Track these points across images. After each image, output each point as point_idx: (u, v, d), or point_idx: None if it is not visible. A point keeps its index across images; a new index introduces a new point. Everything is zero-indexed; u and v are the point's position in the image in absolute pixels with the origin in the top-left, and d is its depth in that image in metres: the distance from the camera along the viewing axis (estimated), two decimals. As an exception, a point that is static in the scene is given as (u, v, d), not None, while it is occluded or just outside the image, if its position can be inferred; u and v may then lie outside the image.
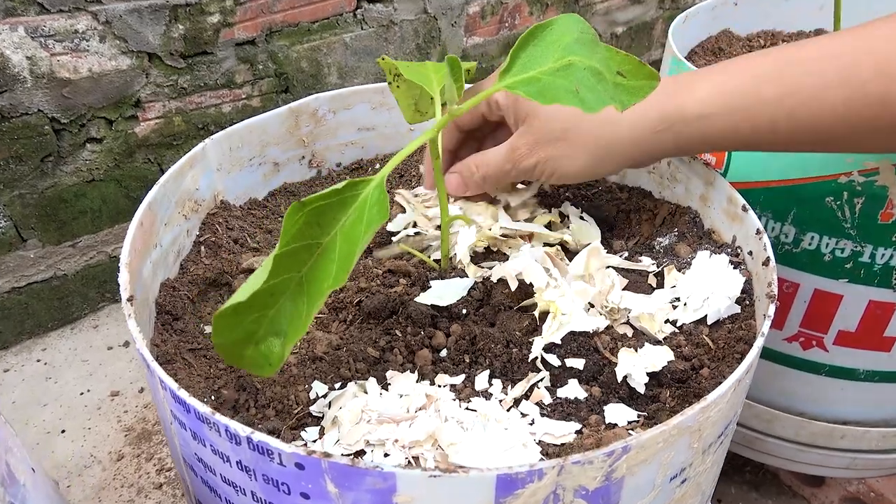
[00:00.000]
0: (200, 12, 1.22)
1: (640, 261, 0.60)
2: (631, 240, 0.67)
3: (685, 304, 0.55)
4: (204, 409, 0.38)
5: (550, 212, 0.70)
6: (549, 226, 0.68)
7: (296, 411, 0.50)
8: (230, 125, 0.67)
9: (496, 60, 1.75)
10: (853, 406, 0.85)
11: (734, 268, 0.55)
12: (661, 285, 0.59)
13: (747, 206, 0.56)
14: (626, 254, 0.64)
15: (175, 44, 1.22)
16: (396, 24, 1.50)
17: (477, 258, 0.65)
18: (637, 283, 0.59)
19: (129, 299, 0.46)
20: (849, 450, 0.88)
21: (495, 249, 0.64)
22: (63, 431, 1.13)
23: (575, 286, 0.56)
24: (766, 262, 0.51)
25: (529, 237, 0.66)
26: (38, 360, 1.25)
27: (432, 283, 0.59)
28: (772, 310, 0.46)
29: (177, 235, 0.61)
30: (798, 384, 0.85)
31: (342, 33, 1.43)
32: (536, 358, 0.52)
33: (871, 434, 0.86)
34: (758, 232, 0.54)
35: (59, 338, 1.30)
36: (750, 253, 0.56)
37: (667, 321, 0.55)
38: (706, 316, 0.54)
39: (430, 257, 0.63)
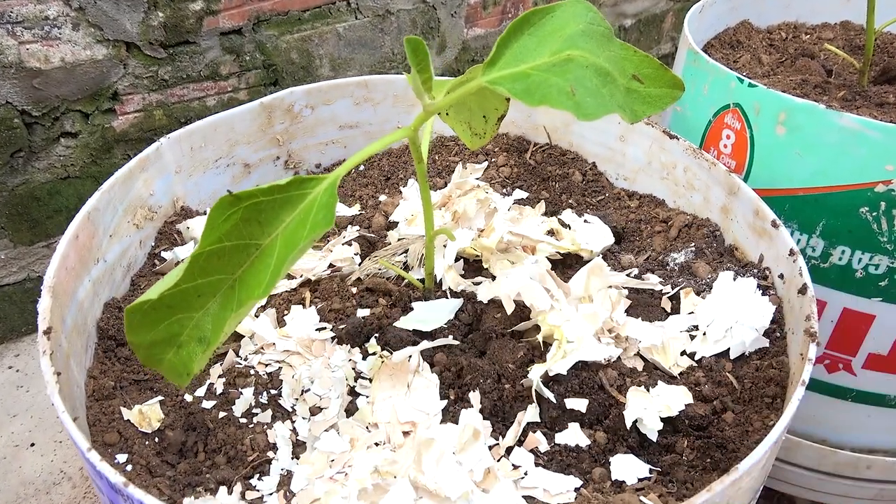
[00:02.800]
0: (182, -1, 1.15)
1: (649, 279, 0.53)
2: (641, 254, 0.60)
3: (704, 335, 0.48)
4: (116, 478, 0.31)
5: (550, 216, 0.63)
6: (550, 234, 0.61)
7: (251, 458, 0.43)
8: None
9: (498, 53, 1.67)
10: (882, 434, 0.78)
11: (762, 293, 0.48)
12: (676, 310, 0.51)
13: (778, 222, 0.49)
14: (636, 271, 0.57)
15: (155, 32, 1.14)
16: (393, 14, 1.43)
17: (468, 271, 0.57)
18: (649, 306, 0.52)
19: (47, 332, 0.39)
20: (877, 480, 0.81)
21: (486, 266, 0.57)
22: (32, 445, 1.06)
23: (583, 309, 0.48)
24: (802, 290, 0.44)
25: (532, 249, 0.58)
26: (10, 367, 1.19)
27: (415, 304, 0.52)
28: (812, 351, 0.38)
29: (126, 248, 0.54)
30: (821, 409, 0.78)
31: (335, 23, 1.36)
32: (533, 392, 0.45)
33: (901, 465, 0.78)
34: (791, 253, 0.47)
35: (32, 343, 1.23)
36: (781, 276, 0.48)
37: (683, 353, 0.48)
38: (729, 349, 0.46)
39: (412, 272, 0.56)
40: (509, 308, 0.49)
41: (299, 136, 0.68)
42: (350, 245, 0.60)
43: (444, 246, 0.57)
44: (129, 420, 0.44)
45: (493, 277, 0.54)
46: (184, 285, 0.37)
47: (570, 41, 0.37)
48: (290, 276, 0.57)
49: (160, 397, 0.47)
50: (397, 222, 0.63)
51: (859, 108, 0.79)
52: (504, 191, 0.69)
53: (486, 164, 0.71)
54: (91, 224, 0.48)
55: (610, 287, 0.51)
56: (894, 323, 0.68)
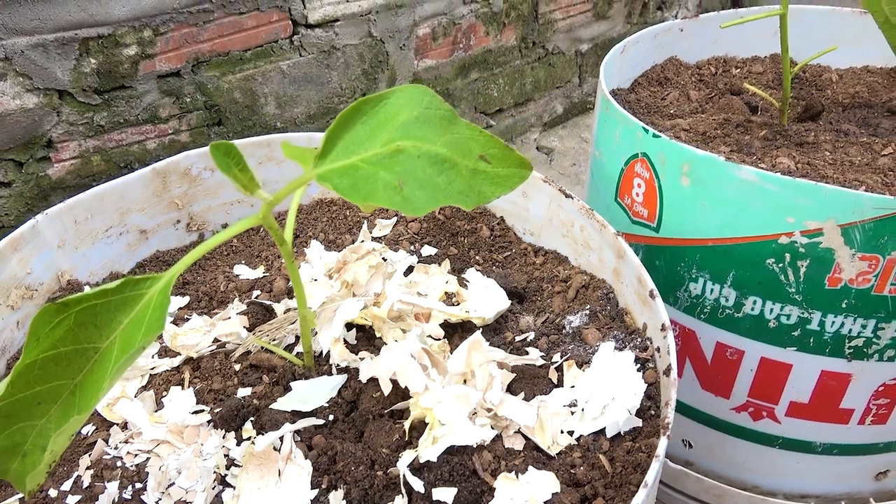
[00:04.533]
0: (115, 44, 1.14)
1: (528, 352, 0.51)
2: (541, 316, 0.58)
3: (583, 411, 0.46)
4: None
5: (456, 274, 0.62)
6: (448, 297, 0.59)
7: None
8: (157, 162, 0.59)
9: (451, 83, 1.67)
10: (812, 480, 0.77)
11: (639, 368, 0.47)
12: (562, 381, 0.50)
13: (655, 293, 0.48)
14: (532, 335, 0.55)
15: (88, 79, 1.13)
16: (339, 50, 1.42)
17: (362, 340, 0.56)
18: (535, 377, 0.51)
19: None
20: (810, 526, 0.79)
21: (379, 335, 0.56)
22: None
23: (455, 390, 0.47)
24: (667, 371, 0.42)
25: (426, 316, 0.57)
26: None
27: (294, 384, 0.51)
28: (662, 446, 0.37)
29: (0, 330, 0.52)
30: (751, 457, 0.76)
31: (278, 61, 1.35)
32: (401, 482, 0.43)
33: (834, 509, 0.77)
34: (663, 328, 0.45)
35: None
36: (658, 350, 0.47)
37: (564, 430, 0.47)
38: (605, 428, 0.45)
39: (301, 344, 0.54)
40: (386, 389, 0.48)
41: (200, 198, 0.67)
42: (244, 315, 0.58)
43: (335, 313, 0.56)
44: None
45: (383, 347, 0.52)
46: (20, 394, 0.36)
47: (403, 129, 0.36)
48: (171, 354, 0.55)
49: (20, 494, 0.45)
50: (297, 287, 0.62)
51: (779, 147, 0.78)
52: (412, 248, 0.68)
53: (395, 219, 0.70)
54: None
55: (491, 362, 0.49)
56: (811, 371, 0.67)
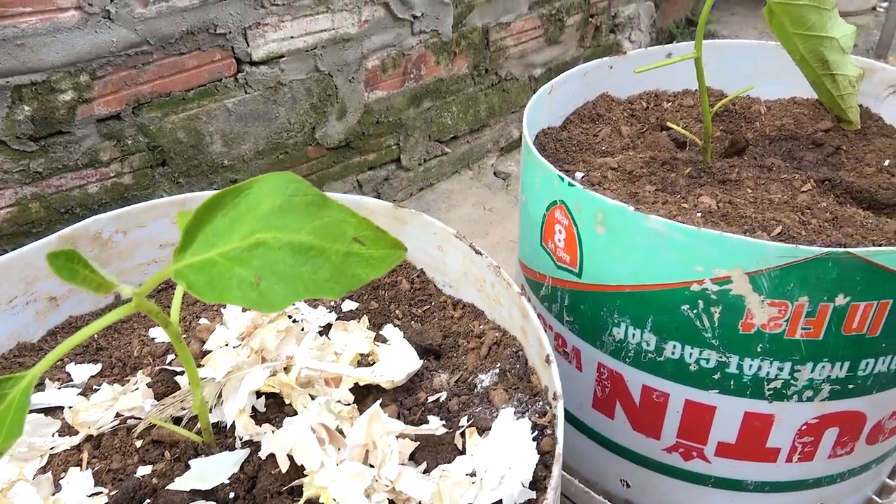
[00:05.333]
0: (50, 91, 1.12)
1: (429, 421, 0.51)
2: (455, 373, 0.58)
3: (482, 481, 0.46)
4: None
5: (376, 329, 0.61)
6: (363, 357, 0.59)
7: None
8: (101, 206, 0.57)
9: (403, 113, 1.67)
10: (747, 516, 0.77)
11: (537, 435, 0.46)
12: (465, 448, 0.50)
13: (551, 358, 0.48)
14: (445, 395, 0.55)
15: (22, 126, 1.11)
16: (285, 85, 1.42)
17: (271, 407, 0.55)
18: (440, 444, 0.50)
19: None
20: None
21: (288, 402, 0.55)
22: None
23: (350, 468, 0.46)
24: (553, 444, 0.42)
25: (337, 381, 0.56)
26: None
27: (193, 462, 0.49)
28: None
29: None
30: (685, 495, 0.76)
31: (223, 99, 1.34)
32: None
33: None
34: (555, 396, 0.45)
35: None
36: (555, 417, 0.47)
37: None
38: (502, 500, 0.45)
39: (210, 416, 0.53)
40: (283, 466, 0.47)
41: (114, 261, 0.66)
42: (150, 387, 0.57)
43: (241, 382, 0.55)
44: None
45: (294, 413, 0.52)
46: None
47: (265, 220, 0.36)
48: (73, 432, 0.54)
49: None
50: (211, 351, 0.61)
51: (703, 185, 0.79)
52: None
53: (316, 274, 0.69)
54: None
55: (391, 433, 0.49)
56: (735, 413, 0.68)
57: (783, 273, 0.57)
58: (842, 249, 0.55)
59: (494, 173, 1.89)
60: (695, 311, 0.62)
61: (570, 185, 0.66)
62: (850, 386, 0.64)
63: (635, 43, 2.22)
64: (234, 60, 1.32)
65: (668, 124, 0.83)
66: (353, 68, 1.51)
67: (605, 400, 0.76)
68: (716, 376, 0.66)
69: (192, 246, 0.36)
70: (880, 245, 0.65)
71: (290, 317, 0.62)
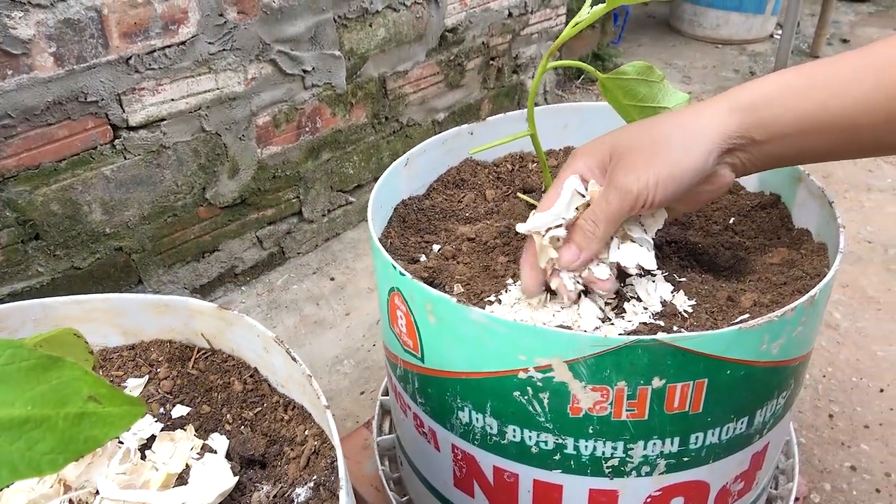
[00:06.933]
0: None
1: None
2: (276, 485, 0.56)
3: None
4: None
5: (203, 437, 0.59)
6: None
7: None
8: None
9: (301, 166, 1.65)
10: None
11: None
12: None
13: (343, 487, 0.46)
14: (261, 512, 0.53)
15: None
16: (169, 148, 1.38)
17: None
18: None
19: None
20: None
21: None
22: None
23: None
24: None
25: None
26: None
27: None
28: None
29: None
30: (550, 569, 0.76)
31: (100, 167, 1.30)
32: None
33: None
34: None
35: None
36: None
37: None
38: None
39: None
40: None
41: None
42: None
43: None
44: None
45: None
46: None
47: (-28, 396, 0.34)
48: None
49: None
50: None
51: (554, 254, 0.80)
52: (162, 409, 0.64)
53: (146, 378, 0.66)
54: None
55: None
56: (581, 490, 0.68)
57: (598, 361, 0.58)
58: (649, 337, 0.56)
59: (402, 219, 1.88)
60: (525, 398, 0.62)
61: (401, 274, 0.65)
62: (685, 459, 0.65)
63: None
64: (109, 127, 1.28)
65: (519, 195, 0.84)
66: (242, 126, 1.49)
67: (463, 479, 0.75)
68: (556, 457, 0.66)
69: None
70: (712, 313, 0.66)
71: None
